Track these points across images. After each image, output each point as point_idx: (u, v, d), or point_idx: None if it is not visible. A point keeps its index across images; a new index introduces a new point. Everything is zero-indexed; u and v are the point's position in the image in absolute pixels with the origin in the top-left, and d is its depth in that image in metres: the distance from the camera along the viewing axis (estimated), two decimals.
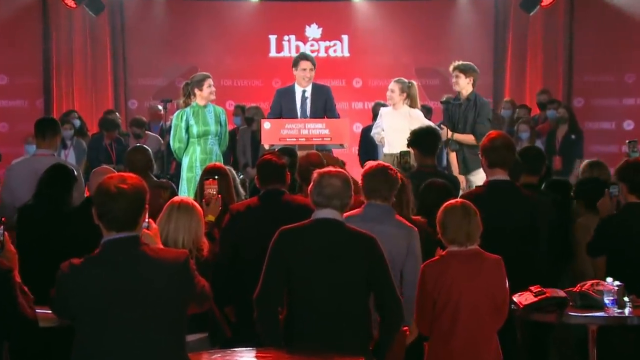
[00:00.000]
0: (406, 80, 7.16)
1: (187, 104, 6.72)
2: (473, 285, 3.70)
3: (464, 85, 6.91)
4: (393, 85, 7.13)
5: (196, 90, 6.67)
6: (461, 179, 6.68)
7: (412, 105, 7.14)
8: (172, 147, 6.75)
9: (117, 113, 9.91)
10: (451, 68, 7.00)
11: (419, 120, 6.93)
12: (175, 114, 6.76)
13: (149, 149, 5.47)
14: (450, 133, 6.77)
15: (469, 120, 6.84)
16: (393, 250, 3.85)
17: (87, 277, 2.78)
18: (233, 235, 4.31)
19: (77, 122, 9.22)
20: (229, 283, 4.29)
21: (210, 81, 6.69)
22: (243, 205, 4.47)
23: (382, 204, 4.00)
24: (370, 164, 4.12)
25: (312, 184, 3.54)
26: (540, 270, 4.34)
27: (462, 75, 6.90)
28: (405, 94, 7.08)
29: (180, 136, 6.64)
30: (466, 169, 6.79)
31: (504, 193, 4.36)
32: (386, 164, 4.17)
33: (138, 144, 6.21)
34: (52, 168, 5.06)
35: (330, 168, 3.63)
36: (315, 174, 3.57)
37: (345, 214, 3.93)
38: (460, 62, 6.99)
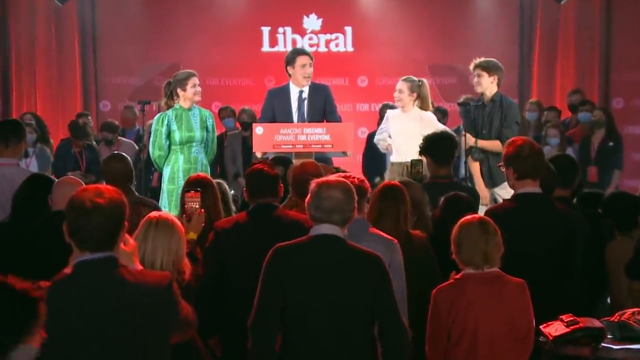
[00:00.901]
0: (416, 79, 7.21)
1: (169, 106, 6.77)
2: (492, 312, 3.73)
3: (487, 85, 6.94)
4: (401, 85, 7.19)
5: (179, 91, 6.72)
6: (485, 193, 6.73)
7: (423, 106, 7.19)
8: (151, 155, 6.79)
9: (89, 117, 9.94)
10: (472, 66, 7.02)
11: (431, 124, 6.98)
12: (156, 118, 6.81)
13: (129, 158, 5.51)
14: (473, 140, 6.80)
15: (494, 124, 6.86)
16: None
17: (57, 304, 2.83)
18: (219, 256, 4.35)
19: (34, 124, 9.24)
20: (214, 311, 4.33)
21: (195, 80, 6.73)
22: (229, 221, 4.50)
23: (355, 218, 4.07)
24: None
25: (309, 195, 3.59)
26: (574, 296, 4.38)
27: (484, 74, 6.92)
28: (415, 94, 7.14)
29: (160, 143, 6.69)
30: (492, 182, 6.83)
31: (535, 207, 4.38)
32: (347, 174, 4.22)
33: (116, 152, 6.24)
34: (30, 179, 5.02)
35: (330, 177, 3.68)
36: (312, 185, 3.61)
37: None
38: (483, 59, 7.01)
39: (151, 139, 6.77)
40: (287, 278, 3.50)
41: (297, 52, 7.25)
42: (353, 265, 3.51)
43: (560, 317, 4.10)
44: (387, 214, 4.38)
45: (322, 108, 7.06)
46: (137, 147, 9.26)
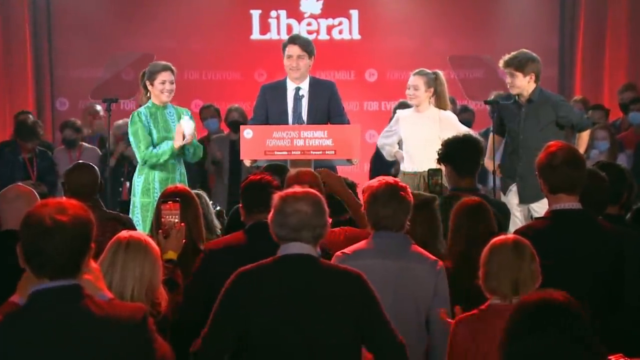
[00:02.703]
0: (430, 71, 7.23)
1: (144, 102, 6.80)
2: None
3: (524, 86, 6.95)
4: (415, 80, 7.19)
5: (148, 84, 6.75)
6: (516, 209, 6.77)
7: (440, 105, 7.21)
8: (142, 157, 6.66)
9: (30, 115, 9.90)
10: (501, 64, 7.02)
11: (451, 125, 7.00)
12: (131, 118, 6.77)
13: (96, 168, 5.52)
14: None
15: (537, 126, 6.88)
16: (417, 292, 3.99)
17: (7, 343, 2.82)
18: (208, 285, 4.36)
19: None
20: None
21: (165, 75, 6.71)
22: (221, 243, 4.53)
23: (396, 233, 4.17)
24: (373, 182, 4.25)
25: (272, 211, 3.64)
26: (626, 333, 4.37)
27: (518, 74, 6.93)
28: (432, 90, 7.16)
29: (147, 141, 6.59)
30: (525, 196, 6.90)
31: (573, 226, 4.33)
32: (395, 179, 4.31)
33: (80, 161, 6.24)
34: None
35: (296, 188, 3.72)
36: (275, 198, 3.67)
37: (351, 248, 4.10)
38: (512, 56, 6.96)
39: (133, 141, 6.72)
40: (250, 309, 3.54)
41: (289, 40, 7.28)
42: (331, 289, 3.54)
43: (609, 357, 4.11)
44: (479, 242, 4.45)
45: (324, 109, 7.06)
46: (100, 153, 9.30)
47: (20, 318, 2.89)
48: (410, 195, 4.26)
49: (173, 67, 6.81)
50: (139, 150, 6.68)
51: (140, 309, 2.98)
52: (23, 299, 3.04)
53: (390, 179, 4.29)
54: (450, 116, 7.22)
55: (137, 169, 6.74)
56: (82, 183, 5.31)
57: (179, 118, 6.76)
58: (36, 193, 4.91)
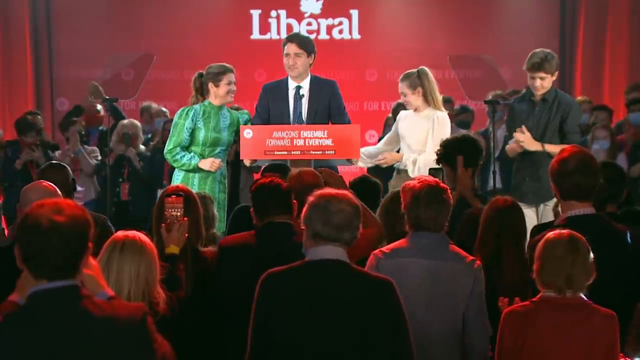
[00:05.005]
0: (414, 70, 7.10)
1: (194, 104, 6.89)
2: (572, 345, 3.73)
3: (548, 85, 6.89)
4: (400, 87, 7.01)
5: (210, 86, 6.84)
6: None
7: (429, 102, 7.09)
8: (165, 151, 6.82)
9: (39, 117, 9.95)
10: (529, 67, 6.74)
11: (442, 129, 6.88)
12: (180, 111, 6.90)
13: (67, 167, 5.48)
14: (536, 145, 6.72)
15: (550, 128, 6.83)
16: (456, 292, 4.00)
17: (7, 344, 2.82)
18: (224, 281, 4.43)
19: None
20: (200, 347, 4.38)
21: (231, 76, 6.88)
22: (234, 241, 4.57)
23: (435, 233, 4.16)
24: (414, 182, 4.23)
25: (310, 209, 3.61)
26: None
27: (548, 76, 6.80)
28: (419, 90, 7.03)
29: (180, 138, 6.74)
30: (538, 197, 6.86)
31: (591, 231, 4.12)
32: (435, 179, 4.29)
33: (54, 161, 6.26)
34: None
35: (334, 190, 3.71)
36: (316, 197, 3.63)
37: (389, 247, 4.11)
38: (540, 58, 6.72)
39: (171, 131, 6.88)
40: (274, 311, 3.52)
41: (286, 38, 7.29)
42: (359, 296, 3.52)
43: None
44: (509, 241, 4.54)
45: (325, 109, 7.04)
46: (98, 153, 9.30)
47: (19, 319, 2.88)
48: (451, 196, 4.26)
49: (233, 68, 6.94)
50: (168, 143, 6.83)
51: (139, 309, 2.97)
52: (22, 299, 3.04)
53: (431, 179, 4.26)
54: (443, 118, 7.07)
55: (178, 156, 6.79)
56: (54, 182, 5.28)
57: (232, 122, 6.89)
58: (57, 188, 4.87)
